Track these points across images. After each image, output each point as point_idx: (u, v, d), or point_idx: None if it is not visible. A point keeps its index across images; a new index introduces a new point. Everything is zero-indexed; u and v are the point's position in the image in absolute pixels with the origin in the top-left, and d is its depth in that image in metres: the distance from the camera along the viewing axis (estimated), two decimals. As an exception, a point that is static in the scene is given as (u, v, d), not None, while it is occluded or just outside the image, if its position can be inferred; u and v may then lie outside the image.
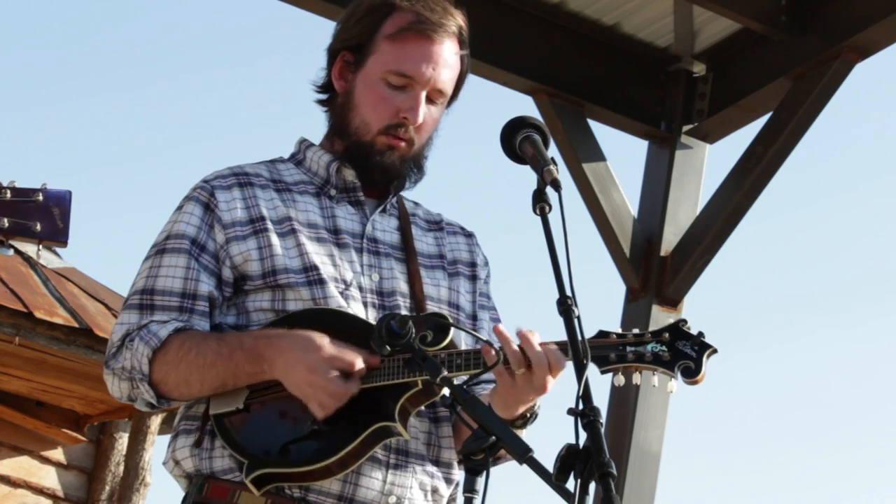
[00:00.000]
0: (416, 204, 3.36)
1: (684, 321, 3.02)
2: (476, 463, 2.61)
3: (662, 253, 6.27)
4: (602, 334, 3.01)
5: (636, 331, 3.03)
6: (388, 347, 2.82)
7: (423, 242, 3.28)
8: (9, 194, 2.67)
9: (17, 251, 8.48)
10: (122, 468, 8.99)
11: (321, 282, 3.08)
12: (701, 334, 3.00)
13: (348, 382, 2.94)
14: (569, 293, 2.68)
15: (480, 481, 2.61)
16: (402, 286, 3.17)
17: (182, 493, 3.11)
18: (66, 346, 7.98)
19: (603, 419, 2.56)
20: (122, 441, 9.22)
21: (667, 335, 2.99)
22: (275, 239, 3.11)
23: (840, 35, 5.85)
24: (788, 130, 5.96)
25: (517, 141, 2.88)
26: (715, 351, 2.99)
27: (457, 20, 3.26)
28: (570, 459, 2.52)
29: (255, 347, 3.00)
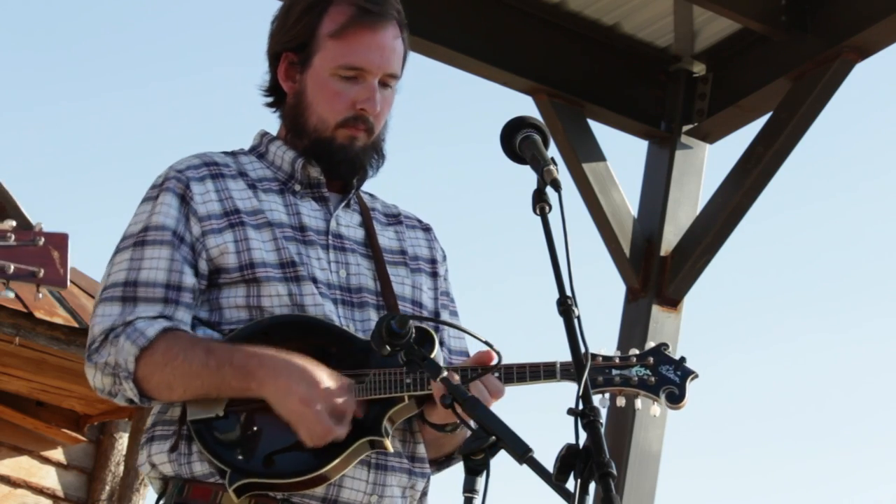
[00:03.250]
0: (372, 196, 3.35)
1: (666, 345, 3.13)
2: (476, 463, 2.60)
3: (662, 253, 6.27)
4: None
5: (619, 353, 3.12)
6: (387, 347, 2.82)
7: (385, 237, 3.28)
8: (12, 238, 2.70)
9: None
10: (122, 468, 8.99)
11: (298, 279, 3.08)
12: (683, 359, 3.11)
13: (338, 426, 2.96)
14: (569, 293, 2.67)
15: (480, 481, 2.61)
16: (369, 283, 3.17)
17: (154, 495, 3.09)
18: (66, 346, 7.98)
19: (603, 419, 2.56)
20: (122, 441, 9.22)
21: (651, 359, 3.10)
22: (251, 232, 3.10)
23: (840, 35, 5.85)
24: (788, 130, 5.97)
25: (517, 141, 2.88)
26: (697, 376, 3.10)
27: (393, 4, 3.23)
28: (570, 459, 2.51)
29: (245, 365, 2.98)
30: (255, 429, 3.00)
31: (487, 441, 2.60)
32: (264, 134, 3.29)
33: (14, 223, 2.72)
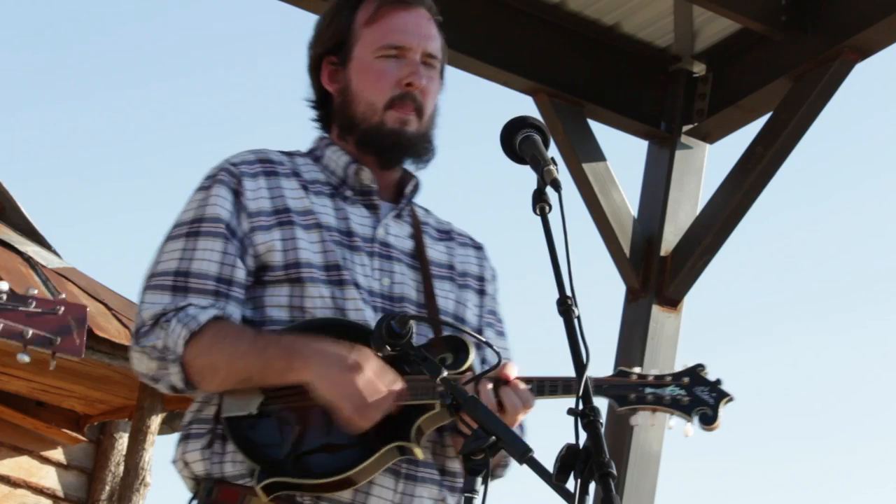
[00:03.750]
0: (427, 211, 3.35)
1: (702, 367, 3.11)
2: (476, 463, 2.60)
3: (662, 253, 6.26)
4: (622, 373, 3.09)
5: (655, 372, 3.11)
6: (387, 347, 2.81)
7: (435, 251, 3.26)
8: (33, 305, 2.79)
9: (17, 251, 8.48)
10: (122, 468, 8.99)
11: (341, 283, 3.07)
12: (719, 381, 3.10)
13: (382, 401, 2.93)
14: (569, 293, 2.67)
15: (480, 481, 2.60)
16: (412, 293, 3.16)
17: (188, 493, 3.09)
18: (66, 346, 7.96)
19: (603, 419, 2.56)
20: (122, 441, 9.22)
21: (686, 379, 3.10)
22: (299, 232, 3.10)
23: (840, 35, 5.85)
24: (788, 130, 5.96)
25: (517, 141, 2.87)
26: (731, 399, 3.09)
27: None
28: (570, 459, 2.51)
29: (292, 344, 2.97)
30: (287, 428, 2.99)
31: (487, 441, 2.60)
32: (322, 138, 3.29)
33: (37, 291, 2.81)
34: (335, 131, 3.27)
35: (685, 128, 6.42)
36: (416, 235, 3.25)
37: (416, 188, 3.27)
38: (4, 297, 2.79)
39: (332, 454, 2.97)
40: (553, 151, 2.86)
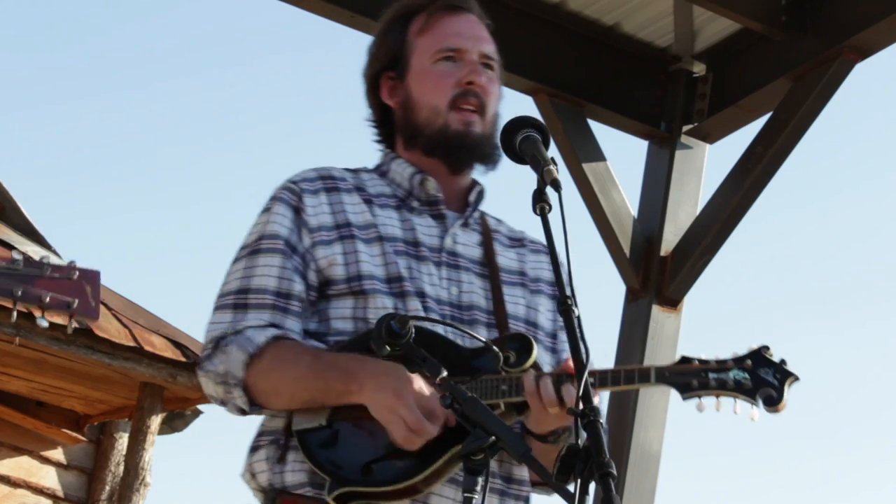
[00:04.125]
0: (498, 221, 3.36)
1: (766, 348, 3.04)
2: (476, 463, 2.60)
3: (662, 253, 6.26)
4: (684, 360, 3.04)
5: (718, 357, 3.04)
6: (387, 347, 2.81)
7: (505, 258, 3.27)
8: (49, 271, 2.84)
9: (17, 251, 8.47)
10: (122, 468, 8.99)
11: (403, 294, 3.08)
12: (783, 362, 3.02)
13: (430, 422, 2.92)
14: (569, 293, 2.67)
15: (480, 481, 2.60)
16: (481, 301, 3.16)
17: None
18: (66, 346, 7.98)
19: (603, 419, 2.56)
20: (122, 441, 9.22)
21: (749, 362, 3.01)
22: (360, 245, 3.12)
23: (840, 35, 5.84)
24: (788, 130, 5.95)
25: (517, 141, 2.88)
26: (797, 379, 3.00)
27: (474, 5, 3.33)
28: (570, 459, 2.51)
29: (348, 367, 2.98)
30: (355, 438, 2.99)
31: (487, 441, 2.60)
32: (388, 153, 3.31)
33: (50, 255, 2.83)
34: (400, 144, 3.28)
35: (685, 128, 6.41)
36: (486, 243, 3.25)
37: (480, 195, 3.28)
38: (21, 264, 2.86)
39: (402, 460, 2.96)
40: (553, 151, 2.87)
